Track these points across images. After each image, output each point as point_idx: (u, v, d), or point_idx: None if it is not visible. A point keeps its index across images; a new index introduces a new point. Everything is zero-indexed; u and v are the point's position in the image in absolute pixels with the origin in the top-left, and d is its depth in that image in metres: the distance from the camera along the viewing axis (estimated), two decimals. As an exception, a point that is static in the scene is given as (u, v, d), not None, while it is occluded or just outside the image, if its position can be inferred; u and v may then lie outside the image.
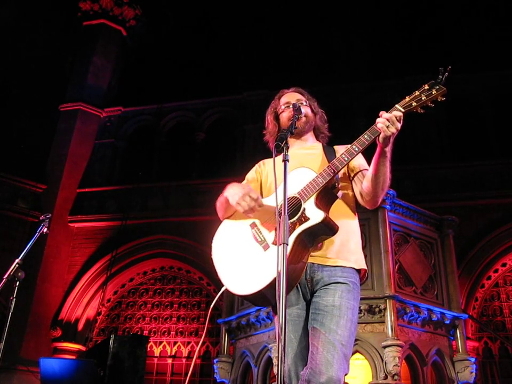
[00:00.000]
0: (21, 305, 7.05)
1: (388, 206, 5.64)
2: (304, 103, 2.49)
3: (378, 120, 2.04)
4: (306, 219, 2.07)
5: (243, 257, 2.18)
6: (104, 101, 11.24)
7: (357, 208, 2.35)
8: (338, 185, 2.20)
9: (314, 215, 2.06)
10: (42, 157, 10.56)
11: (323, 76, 10.03)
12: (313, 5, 12.00)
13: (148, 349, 7.57)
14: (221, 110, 10.92)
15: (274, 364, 5.19)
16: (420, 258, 5.89)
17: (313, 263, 2.16)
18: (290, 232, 2.05)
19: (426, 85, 2.05)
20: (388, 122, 2.00)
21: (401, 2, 11.27)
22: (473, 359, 5.59)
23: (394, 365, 4.93)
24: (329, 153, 2.37)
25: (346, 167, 2.30)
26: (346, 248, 2.20)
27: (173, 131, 11.06)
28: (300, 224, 2.06)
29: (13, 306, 3.21)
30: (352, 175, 2.33)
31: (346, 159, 2.14)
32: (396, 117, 2.01)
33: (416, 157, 9.10)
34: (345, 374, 1.99)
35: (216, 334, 8.66)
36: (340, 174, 2.29)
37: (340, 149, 2.41)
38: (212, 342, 8.86)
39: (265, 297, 2.07)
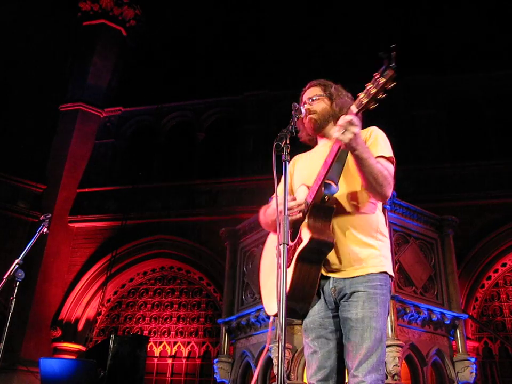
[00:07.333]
0: (21, 305, 7.06)
1: (388, 206, 5.63)
2: (316, 97, 2.40)
3: (334, 129, 1.99)
4: (300, 242, 2.08)
5: (270, 277, 2.24)
6: (104, 101, 11.24)
7: (371, 201, 2.22)
8: (328, 199, 2.11)
9: (305, 237, 2.06)
10: (42, 157, 10.56)
11: (323, 76, 10.01)
12: (313, 5, 12.00)
13: (148, 349, 7.57)
14: (221, 110, 10.92)
15: (274, 364, 5.19)
16: (419, 258, 5.89)
17: (334, 277, 2.15)
18: (292, 254, 2.08)
19: (376, 73, 1.88)
20: (342, 129, 1.94)
21: (401, 2, 11.27)
22: (473, 359, 5.59)
23: (394, 365, 4.93)
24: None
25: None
26: (360, 256, 2.13)
27: (173, 131, 11.06)
28: (297, 247, 2.08)
29: (13, 306, 3.20)
30: None
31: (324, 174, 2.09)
32: (347, 122, 1.93)
33: (416, 157, 9.10)
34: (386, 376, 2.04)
35: (216, 334, 8.66)
36: (352, 169, 2.17)
37: (363, 133, 2.24)
38: (211, 342, 8.87)
39: (293, 310, 2.13)
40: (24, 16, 11.71)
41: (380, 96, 1.88)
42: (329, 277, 2.14)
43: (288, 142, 2.00)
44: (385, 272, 2.13)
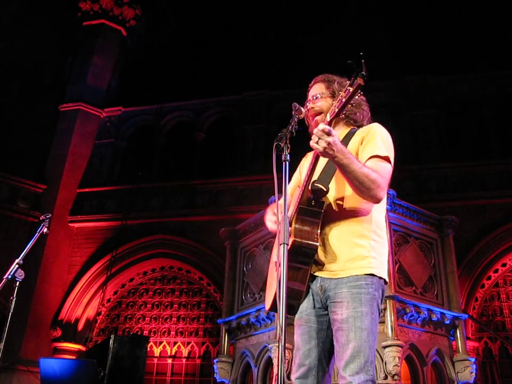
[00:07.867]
0: (21, 305, 7.04)
1: (388, 206, 5.63)
2: (319, 96, 2.39)
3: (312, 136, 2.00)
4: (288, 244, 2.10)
5: (271, 275, 2.35)
6: (104, 101, 11.24)
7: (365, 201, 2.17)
8: (314, 203, 2.12)
9: (290, 240, 2.05)
10: (42, 157, 10.56)
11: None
12: (313, 5, 12.00)
13: (148, 349, 7.56)
14: (221, 110, 10.92)
15: (274, 364, 5.19)
16: (420, 258, 5.89)
17: (321, 276, 2.17)
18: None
19: (349, 81, 1.91)
20: (315, 138, 1.95)
21: (401, 1, 11.27)
22: (473, 359, 5.59)
23: (394, 365, 4.93)
24: (344, 141, 2.23)
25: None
26: (346, 257, 2.13)
27: (173, 131, 11.06)
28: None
29: (13, 306, 3.21)
30: None
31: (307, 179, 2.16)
32: (320, 131, 1.93)
33: (416, 157, 9.10)
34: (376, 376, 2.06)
35: (216, 334, 8.66)
36: None
37: (364, 130, 2.29)
38: (211, 342, 8.87)
39: (291, 306, 2.18)
40: (24, 16, 11.71)
41: (349, 103, 1.96)
42: (317, 276, 2.16)
43: (288, 142, 2.01)
44: (373, 275, 2.10)
